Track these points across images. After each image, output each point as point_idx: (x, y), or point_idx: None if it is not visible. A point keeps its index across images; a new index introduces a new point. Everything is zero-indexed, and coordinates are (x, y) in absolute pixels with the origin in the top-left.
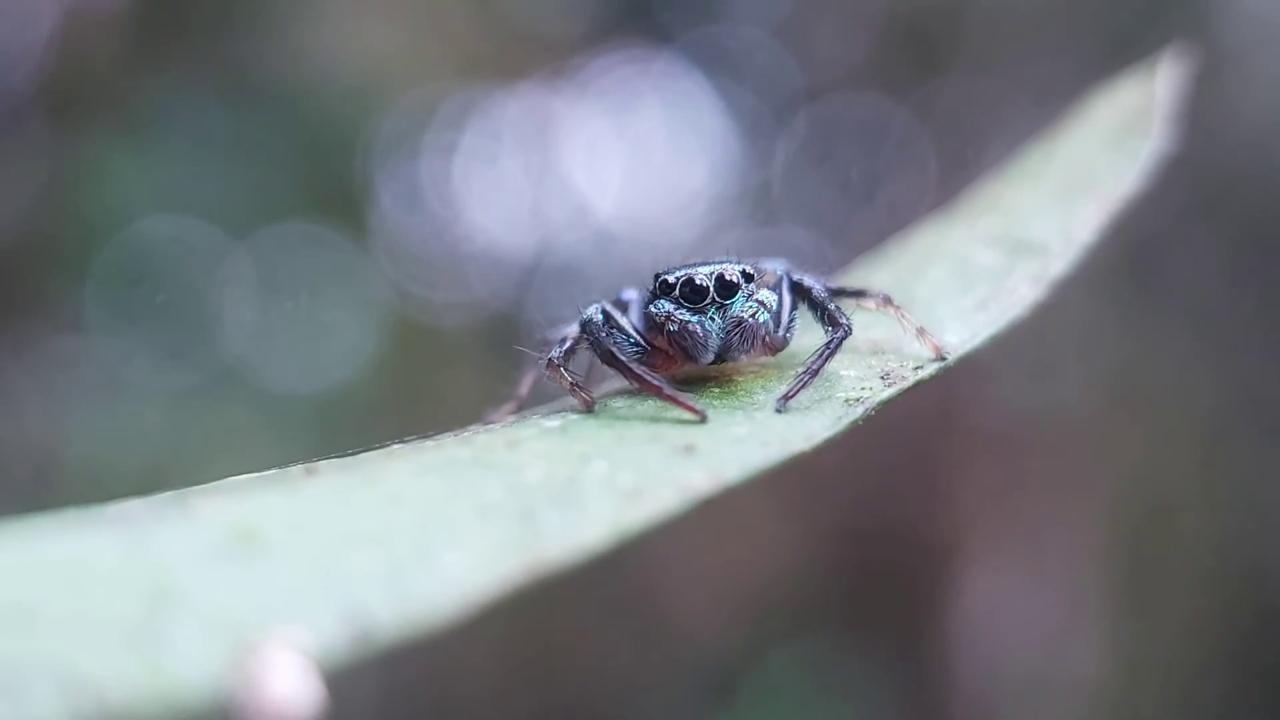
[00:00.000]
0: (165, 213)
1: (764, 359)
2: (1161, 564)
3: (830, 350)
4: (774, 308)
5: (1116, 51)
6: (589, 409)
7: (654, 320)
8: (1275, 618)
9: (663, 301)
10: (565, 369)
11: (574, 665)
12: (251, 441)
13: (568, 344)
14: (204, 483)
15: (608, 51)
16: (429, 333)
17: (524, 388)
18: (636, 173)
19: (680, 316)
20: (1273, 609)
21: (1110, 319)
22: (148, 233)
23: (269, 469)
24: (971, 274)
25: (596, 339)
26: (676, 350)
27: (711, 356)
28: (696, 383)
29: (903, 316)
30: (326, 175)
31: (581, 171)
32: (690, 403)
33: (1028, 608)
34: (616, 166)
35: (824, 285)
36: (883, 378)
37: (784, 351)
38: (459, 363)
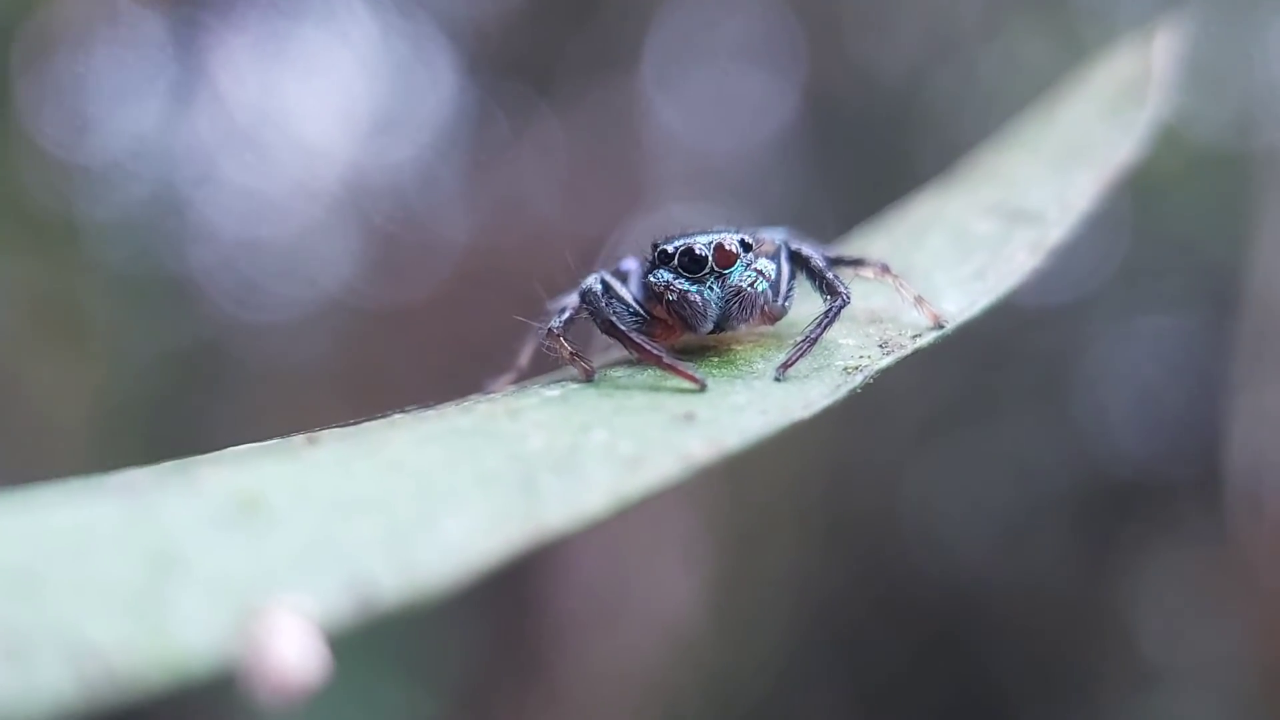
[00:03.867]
0: None
1: (763, 328)
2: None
3: (829, 319)
4: (772, 277)
5: None
6: (589, 378)
7: (653, 290)
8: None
9: (662, 271)
10: (565, 338)
11: None
12: None
13: (567, 314)
14: None
15: None
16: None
17: (524, 358)
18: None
19: (679, 286)
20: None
21: None
22: None
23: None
24: (969, 242)
25: (596, 309)
26: (676, 320)
27: (710, 326)
28: (696, 352)
29: (901, 285)
30: None
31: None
32: (690, 371)
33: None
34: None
35: (822, 254)
36: (881, 346)
37: (783, 320)
38: None
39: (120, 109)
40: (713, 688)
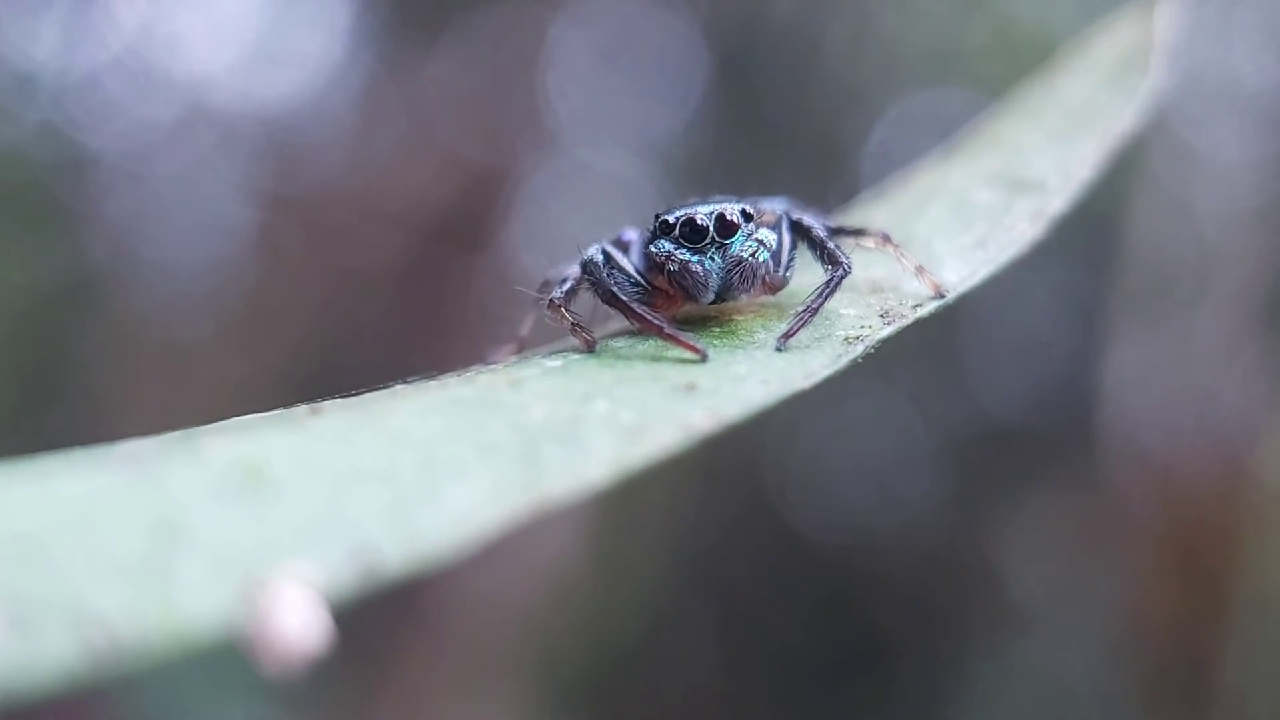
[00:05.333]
0: None
1: (764, 298)
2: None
3: (830, 289)
4: (774, 247)
5: None
6: (590, 349)
7: (654, 260)
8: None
9: (663, 241)
10: (566, 309)
11: None
12: None
13: (569, 284)
14: None
15: None
16: None
17: (525, 328)
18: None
19: (680, 256)
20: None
21: None
22: None
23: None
24: (970, 212)
25: (597, 279)
26: (677, 290)
27: (712, 296)
28: (697, 322)
29: (902, 255)
30: None
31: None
32: (691, 342)
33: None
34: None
35: (823, 224)
36: (882, 316)
37: (784, 290)
38: None
39: (3, 36)
40: (590, 628)
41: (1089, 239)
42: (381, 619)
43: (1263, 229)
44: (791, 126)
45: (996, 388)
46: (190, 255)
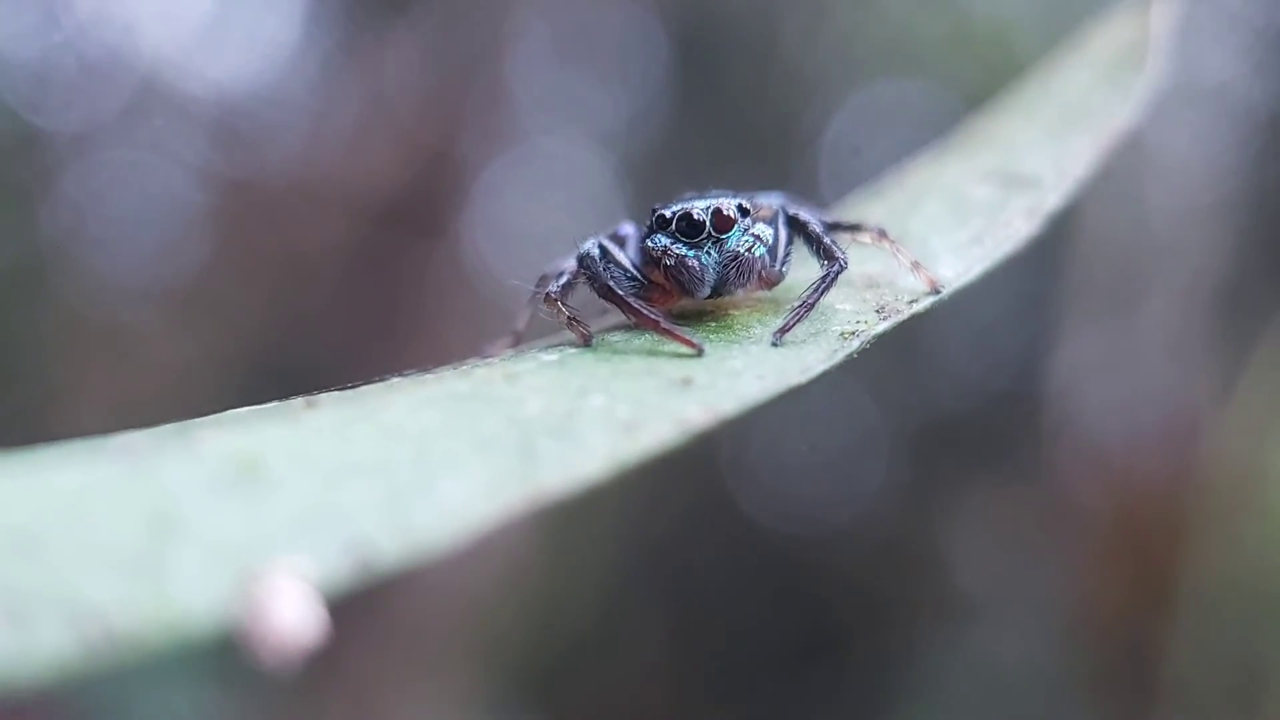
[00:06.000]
0: None
1: (760, 293)
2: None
3: (826, 284)
4: (770, 242)
5: None
6: (586, 343)
7: (651, 255)
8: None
9: (659, 236)
10: (563, 303)
11: None
12: None
13: (565, 278)
14: None
15: None
16: None
17: (521, 322)
18: None
19: (677, 251)
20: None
21: None
22: None
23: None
24: (966, 208)
25: (594, 273)
26: (673, 284)
27: (708, 291)
28: (693, 317)
29: (898, 250)
30: None
31: None
32: (687, 336)
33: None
34: None
35: (820, 219)
36: (878, 311)
37: (780, 285)
38: None
39: None
40: (540, 616)
41: (1041, 232)
42: (328, 605)
43: (1213, 224)
44: (749, 115)
45: (949, 379)
46: (140, 238)
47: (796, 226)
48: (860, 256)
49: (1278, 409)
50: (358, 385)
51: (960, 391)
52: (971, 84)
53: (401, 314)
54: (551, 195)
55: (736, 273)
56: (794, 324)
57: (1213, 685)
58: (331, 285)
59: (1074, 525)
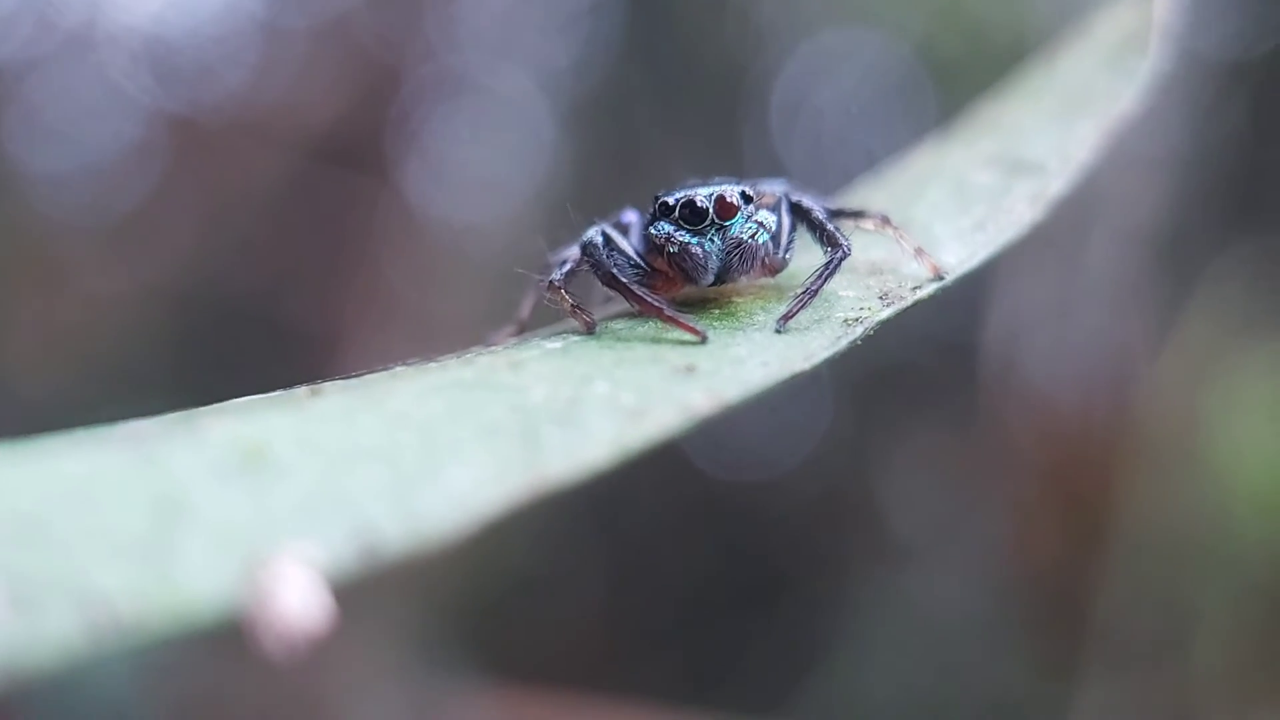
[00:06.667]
0: None
1: (763, 280)
2: None
3: (829, 271)
4: (773, 229)
5: None
6: (590, 331)
7: (654, 242)
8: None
9: (663, 223)
10: (566, 291)
11: None
12: None
13: (568, 266)
14: None
15: None
16: None
17: (525, 310)
18: None
19: (680, 238)
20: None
21: None
22: None
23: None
24: (969, 194)
25: (597, 261)
26: (676, 272)
27: (711, 278)
28: (696, 304)
29: (901, 237)
30: None
31: None
32: (690, 324)
33: None
34: None
35: (823, 206)
36: (881, 298)
37: (783, 272)
38: None
39: None
40: (477, 557)
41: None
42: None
43: (1153, 173)
44: (698, 61)
45: (890, 325)
46: (74, 169)
47: (800, 213)
48: (864, 243)
49: (1212, 357)
50: (361, 373)
51: (901, 338)
52: (920, 34)
53: (343, 251)
54: (497, 138)
55: (740, 260)
56: (797, 310)
57: (1142, 629)
58: (272, 220)
59: (1009, 470)
